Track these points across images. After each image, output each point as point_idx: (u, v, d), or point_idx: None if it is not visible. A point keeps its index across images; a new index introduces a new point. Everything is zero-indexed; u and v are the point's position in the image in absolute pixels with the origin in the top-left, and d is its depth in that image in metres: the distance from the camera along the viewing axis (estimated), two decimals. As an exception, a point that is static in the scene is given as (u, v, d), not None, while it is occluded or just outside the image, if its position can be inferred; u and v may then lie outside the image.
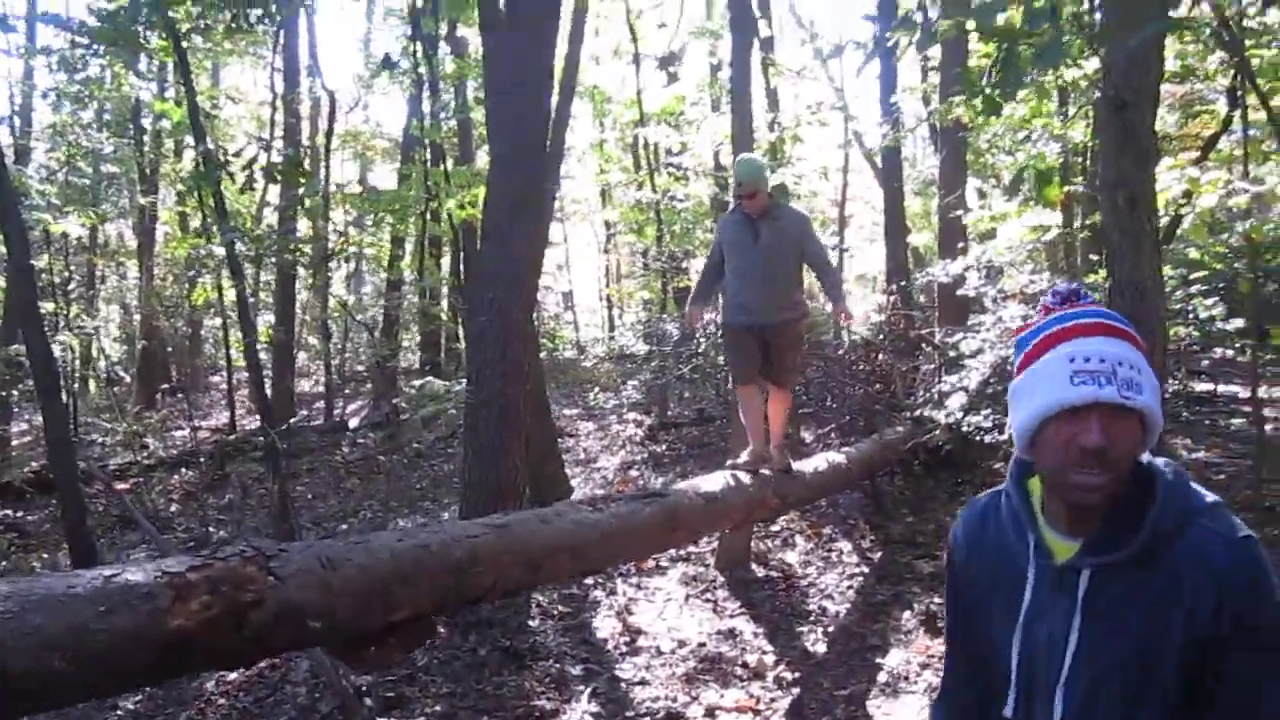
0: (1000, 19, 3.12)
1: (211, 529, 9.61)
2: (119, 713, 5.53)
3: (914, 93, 13.51)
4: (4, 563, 8.99)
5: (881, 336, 11.17)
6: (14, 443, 15.08)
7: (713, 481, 5.30)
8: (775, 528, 7.87)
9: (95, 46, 10.24)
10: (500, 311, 6.80)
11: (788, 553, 7.44)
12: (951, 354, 8.14)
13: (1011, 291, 8.02)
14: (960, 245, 10.50)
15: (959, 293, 8.96)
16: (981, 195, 13.26)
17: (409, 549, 3.22)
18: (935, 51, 10.37)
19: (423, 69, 13.79)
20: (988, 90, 3.27)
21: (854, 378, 10.68)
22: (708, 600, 6.56)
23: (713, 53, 16.82)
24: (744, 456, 5.78)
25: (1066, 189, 8.44)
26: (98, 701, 4.52)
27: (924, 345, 10.25)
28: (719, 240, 6.00)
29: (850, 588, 6.66)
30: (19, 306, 7.86)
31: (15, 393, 14.05)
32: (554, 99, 8.38)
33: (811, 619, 6.16)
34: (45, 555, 9.25)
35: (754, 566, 7.10)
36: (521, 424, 6.89)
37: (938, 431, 7.67)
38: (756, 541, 7.45)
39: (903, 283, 11.69)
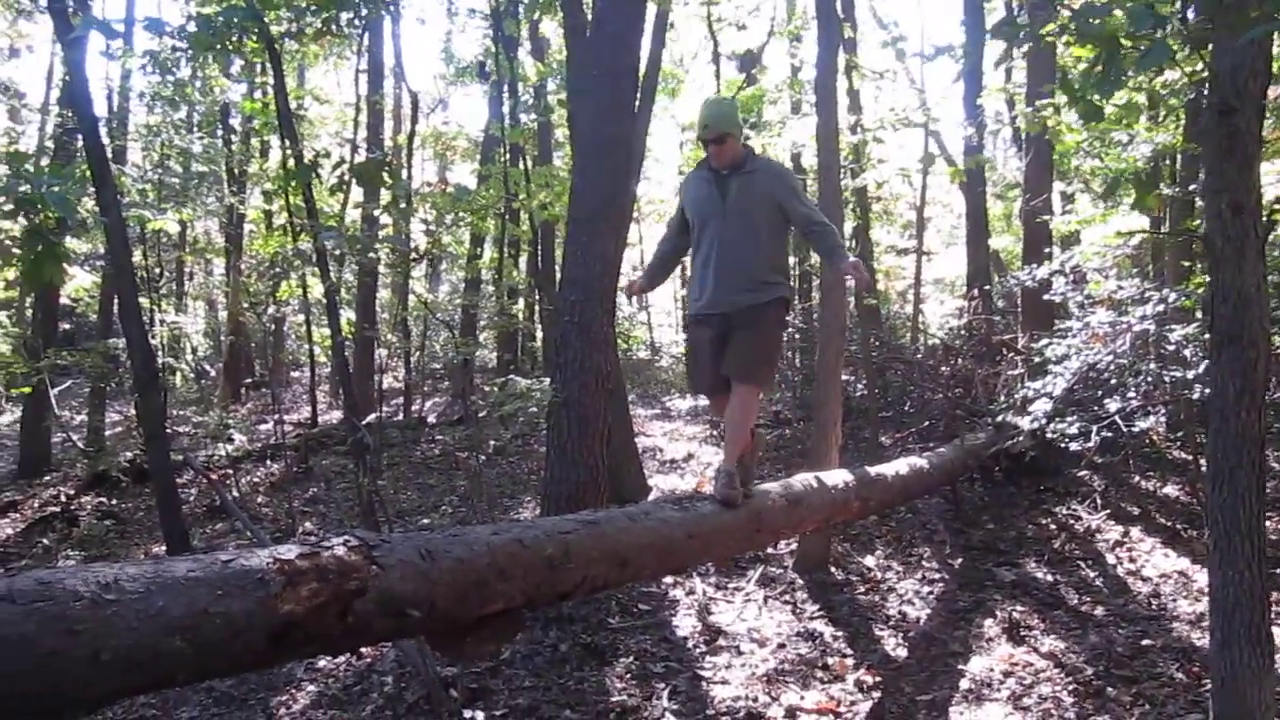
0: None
1: (296, 520, 9.84)
2: (213, 694, 5.71)
3: (997, 94, 13.34)
4: (103, 549, 9.30)
5: (961, 341, 11.08)
6: (107, 433, 15.55)
7: (795, 483, 5.31)
8: (854, 531, 7.85)
9: (190, 50, 10.55)
10: (582, 313, 6.87)
11: (867, 556, 7.41)
12: (1037, 359, 8.03)
13: (1099, 297, 7.89)
14: (1046, 250, 10.36)
15: (1045, 298, 8.84)
16: (1068, 199, 13.08)
17: (505, 543, 3.29)
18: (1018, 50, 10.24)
19: (504, 69, 13.96)
20: (1087, 95, 3.23)
21: (934, 382, 10.60)
22: (787, 602, 6.56)
23: (793, 54, 16.77)
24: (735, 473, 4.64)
25: (1157, 192, 8.28)
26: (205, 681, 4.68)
27: (1006, 350, 10.14)
28: (681, 203, 5.07)
29: (930, 593, 6.62)
30: (120, 302, 8.11)
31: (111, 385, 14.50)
32: (637, 98, 8.45)
33: (891, 623, 6.14)
34: (140, 544, 9.55)
35: (833, 569, 7.09)
36: (602, 425, 6.95)
37: (1021, 438, 7.59)
38: (835, 544, 7.43)
39: (985, 287, 11.55)
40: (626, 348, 20.17)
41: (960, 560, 7.18)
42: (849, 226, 12.65)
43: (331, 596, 2.62)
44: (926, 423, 10.12)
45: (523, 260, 20.34)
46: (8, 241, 4.09)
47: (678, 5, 14.44)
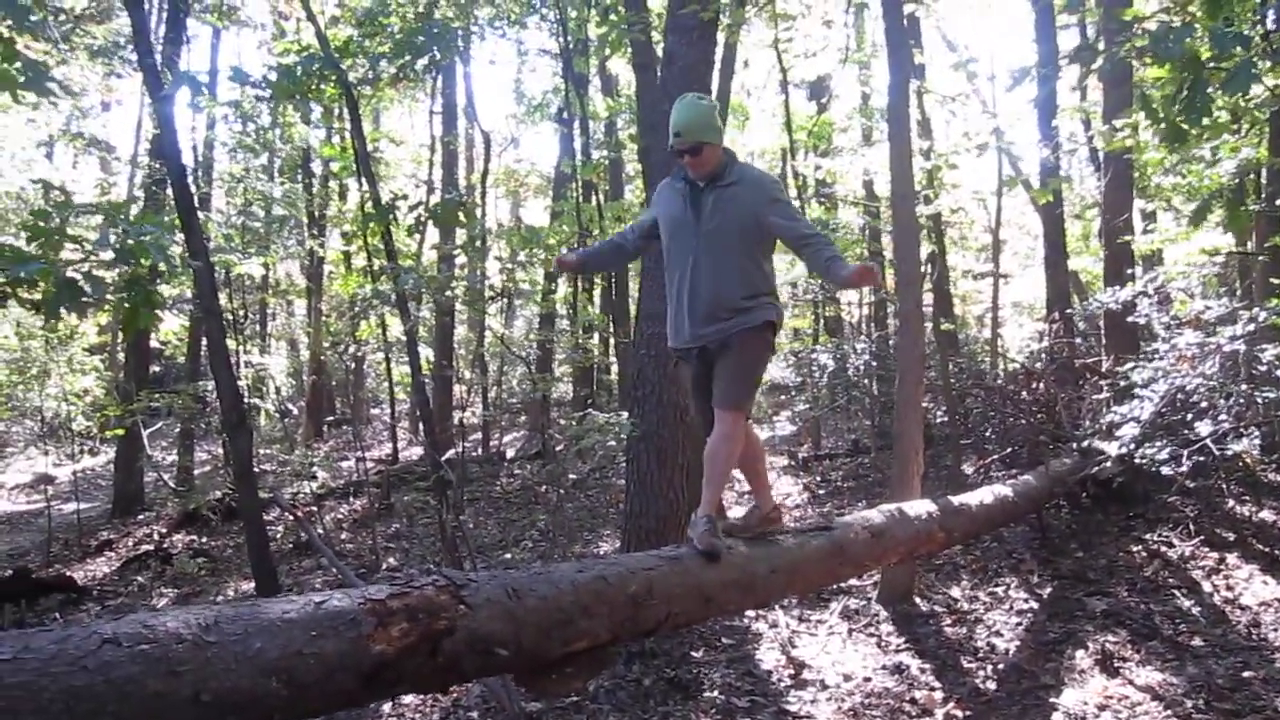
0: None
1: (380, 556, 9.97)
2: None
3: (1074, 114, 13.15)
4: (195, 586, 9.52)
5: (1042, 365, 10.88)
6: (196, 472, 15.96)
7: (877, 514, 5.26)
8: (938, 561, 7.72)
9: (271, 99, 10.90)
10: (660, 347, 6.90)
11: (952, 587, 7.29)
12: (1122, 383, 7.86)
13: (1186, 318, 7.71)
14: (1129, 271, 10.16)
15: (1129, 320, 8.66)
16: (1149, 217, 12.81)
17: (589, 580, 3.31)
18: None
19: (574, 107, 14.14)
20: (1173, 118, 3.17)
21: (1015, 407, 10.41)
22: (871, 634, 6.48)
23: (863, 81, 16.74)
24: (750, 516, 4.46)
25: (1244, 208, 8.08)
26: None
27: (1089, 374, 9.94)
28: (653, 212, 4.52)
29: (1019, 624, 6.48)
30: (209, 345, 8.33)
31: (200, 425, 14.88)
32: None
33: (979, 655, 6.02)
34: (230, 580, 9.76)
35: (917, 600, 6.98)
36: (681, 457, 6.97)
37: (1108, 464, 7.42)
38: (919, 575, 7.32)
39: (1065, 310, 11.35)
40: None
41: (1049, 590, 7.02)
42: (923, 251, 12.54)
43: (421, 636, 2.66)
44: (1009, 449, 9.94)
45: (597, 295, 20.50)
46: (107, 286, 4.24)
47: (746, 36, 14.51)
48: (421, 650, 2.66)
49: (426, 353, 16.11)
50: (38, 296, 3.99)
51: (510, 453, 16.39)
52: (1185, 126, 3.24)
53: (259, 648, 2.32)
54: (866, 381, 12.99)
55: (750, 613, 6.74)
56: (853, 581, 7.14)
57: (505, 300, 23.66)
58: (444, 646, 2.72)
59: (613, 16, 10.45)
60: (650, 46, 8.87)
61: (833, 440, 14.12)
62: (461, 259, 16.52)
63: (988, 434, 11.03)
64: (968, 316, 20.03)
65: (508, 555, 9.48)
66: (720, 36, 9.55)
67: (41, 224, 4.06)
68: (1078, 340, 11.71)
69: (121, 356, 17.01)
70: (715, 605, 3.93)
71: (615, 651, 4.07)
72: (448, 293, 12.78)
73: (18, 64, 3.83)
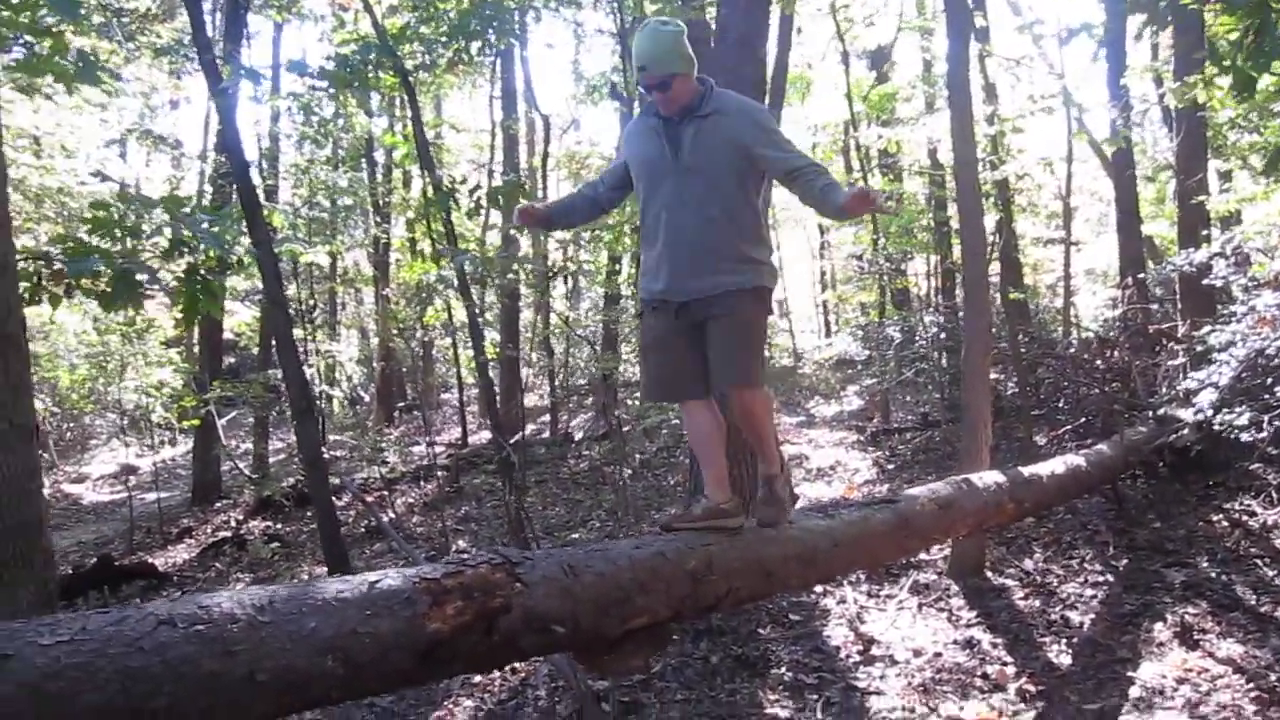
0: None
1: (449, 539, 10.07)
2: (374, 709, 5.87)
3: (1144, 74, 12.77)
4: (270, 571, 9.71)
5: (1116, 332, 10.62)
6: (270, 460, 16.26)
7: (945, 486, 5.17)
8: (1009, 534, 7.58)
9: (331, 89, 10.99)
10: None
11: (1024, 560, 7.15)
12: (1199, 348, 7.63)
13: (1265, 279, 7.45)
14: (1204, 233, 9.85)
15: (1205, 282, 8.40)
16: (1225, 177, 12.42)
17: (647, 557, 3.29)
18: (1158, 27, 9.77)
19: (632, 86, 14.07)
20: (1239, 64, 3.04)
21: (1088, 376, 10.19)
22: (941, 609, 6.38)
23: (924, 48, 16.44)
24: (696, 507, 3.80)
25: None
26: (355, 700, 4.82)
27: (1165, 340, 9.67)
28: (621, 157, 4.03)
29: (1094, 597, 6.34)
30: (276, 335, 8.46)
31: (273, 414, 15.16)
32: (765, 104, 8.41)
33: (1053, 629, 5.90)
34: (303, 564, 9.93)
35: (989, 574, 6.86)
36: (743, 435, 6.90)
37: (1185, 431, 7.22)
38: (991, 548, 7.20)
39: (1139, 275, 11.05)
40: (769, 355, 20.01)
41: (1125, 562, 6.86)
42: (990, 220, 12.30)
43: (476, 614, 2.66)
44: (1083, 419, 9.72)
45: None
46: (160, 278, 4.31)
47: (803, 5, 14.32)
48: (477, 628, 2.66)
49: (492, 336, 16.21)
50: (102, 288, 4.08)
51: (578, 434, 16.44)
52: (1254, 74, 3.10)
53: (313, 627, 2.33)
54: (935, 354, 12.80)
55: (818, 589, 6.67)
56: (922, 555, 7.05)
57: (570, 282, 23.76)
58: (500, 624, 2.71)
59: (666, -8, 10.35)
60: (704, 21, 8.77)
61: (901, 414, 13.94)
62: (525, 242, 16.60)
63: (1060, 404, 10.81)
64: (1039, 285, 19.60)
65: (575, 536, 9.52)
66: (775, 7, 9.44)
67: (100, 215, 4.14)
68: (1153, 306, 11.41)
69: (197, 349, 17.36)
70: (777, 580, 3.89)
71: (675, 629, 4.05)
72: (510, 275, 12.85)
73: (70, 58, 3.90)
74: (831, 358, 18.83)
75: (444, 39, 10.01)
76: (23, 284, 3.82)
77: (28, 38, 3.88)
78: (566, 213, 4.29)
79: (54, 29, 3.94)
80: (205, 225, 4.46)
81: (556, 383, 17.80)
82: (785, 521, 3.81)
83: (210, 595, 2.29)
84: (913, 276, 17.41)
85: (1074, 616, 6.05)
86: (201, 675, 2.07)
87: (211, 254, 4.91)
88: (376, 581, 2.58)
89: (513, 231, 14.91)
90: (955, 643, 5.81)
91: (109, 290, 3.91)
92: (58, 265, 3.90)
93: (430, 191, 10.06)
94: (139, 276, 4.00)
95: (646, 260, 3.86)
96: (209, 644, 2.11)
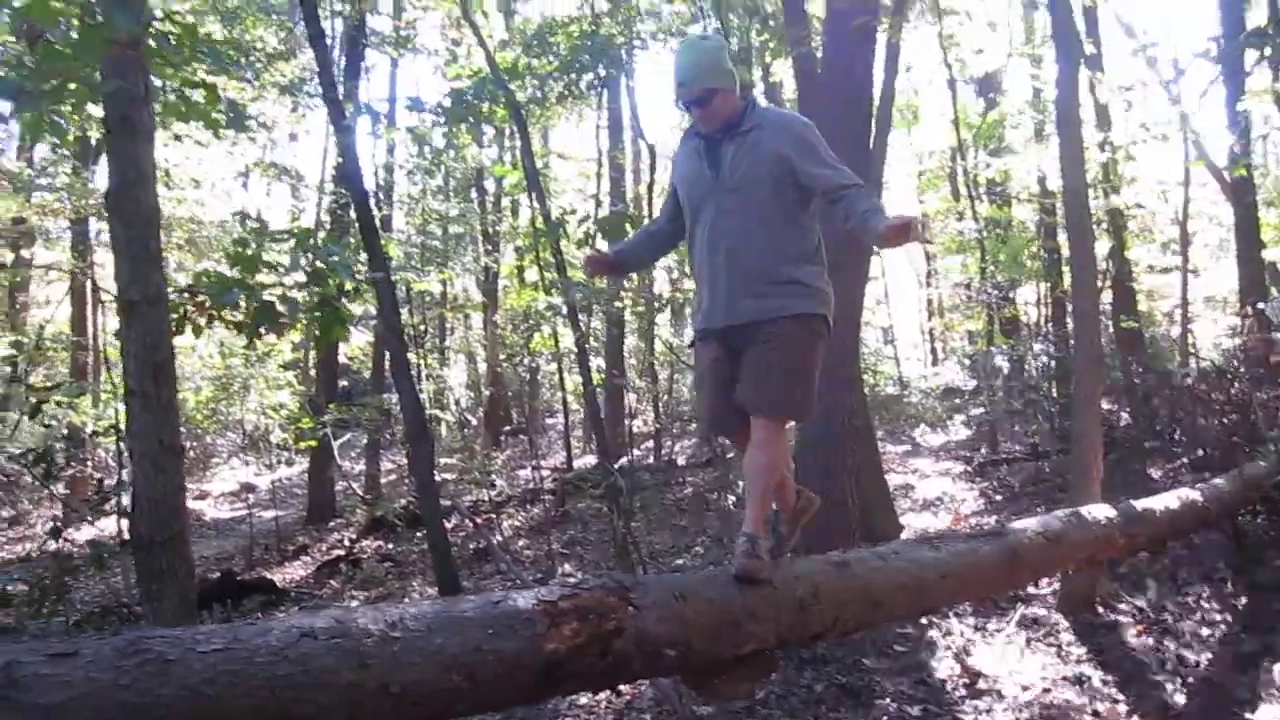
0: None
1: (555, 562, 10.24)
2: (486, 730, 6.01)
3: (1264, 96, 12.42)
4: (383, 590, 9.99)
5: (1236, 363, 10.32)
6: (383, 481, 16.71)
7: (1053, 519, 5.13)
8: (1123, 569, 7.42)
9: (445, 122, 11.39)
10: (828, 352, 6.89)
11: (1138, 596, 7.00)
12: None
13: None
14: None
15: (1330, 312, 8.14)
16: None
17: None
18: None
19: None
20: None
21: (1206, 408, 9.91)
22: (1051, 644, 6.29)
23: (1034, 75, 16.22)
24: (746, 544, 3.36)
25: None
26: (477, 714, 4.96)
27: (1288, 370, 9.37)
28: (673, 181, 3.85)
29: (1211, 636, 6.18)
30: (391, 359, 8.74)
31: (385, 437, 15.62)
32: (871, 132, 8.44)
33: (1167, 668, 5.77)
34: (414, 584, 10.20)
35: (1100, 609, 6.74)
36: (848, 464, 6.94)
37: (1309, 466, 7.00)
38: (1102, 583, 7.05)
39: (1260, 303, 10.72)
40: (874, 383, 19.86)
41: (1244, 600, 6.67)
42: (1103, 247, 12.07)
43: (592, 636, 2.77)
44: (1200, 452, 9.46)
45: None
46: (300, 306, 4.57)
47: (909, 32, 14.28)
48: (592, 650, 2.77)
49: (598, 362, 16.44)
50: (240, 318, 4.34)
51: (682, 460, 16.53)
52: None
53: (440, 644, 2.47)
54: (1045, 383, 12.59)
55: (924, 620, 6.64)
56: (1031, 589, 6.96)
57: (675, 310, 23.91)
58: (614, 646, 2.82)
59: (771, 24, 10.48)
60: (810, 52, 8.86)
61: (1010, 444, 13.72)
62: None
63: (1177, 436, 10.54)
64: (1155, 312, 19.08)
65: (679, 561, 9.60)
66: (881, 35, 9.47)
67: (241, 251, 4.41)
68: (1276, 335, 11.05)
69: (313, 372, 17.98)
70: (884, 610, 3.93)
71: (783, 656, 4.10)
72: (617, 304, 13.04)
73: (219, 106, 4.20)
74: (938, 386, 18.63)
75: (555, 73, 10.31)
76: (170, 315, 4.13)
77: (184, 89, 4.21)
78: (633, 253, 4.18)
79: (207, 80, 4.25)
80: (334, 257, 4.70)
81: (661, 409, 17.95)
82: (768, 578, 3.33)
83: (347, 610, 2.45)
84: (1022, 305, 17.13)
85: (1189, 655, 5.92)
86: (341, 685, 2.23)
87: (334, 282, 5.17)
88: (498, 602, 2.72)
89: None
90: (1065, 679, 5.73)
91: (248, 320, 4.19)
92: (201, 297, 4.19)
93: (540, 221, 10.33)
94: (279, 307, 4.26)
95: (699, 295, 3.71)
96: (347, 656, 2.26)
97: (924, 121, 19.89)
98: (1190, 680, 5.57)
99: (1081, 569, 5.90)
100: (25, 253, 17.26)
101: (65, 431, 12.78)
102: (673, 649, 2.98)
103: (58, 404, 7.06)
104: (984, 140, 16.60)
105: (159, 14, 4.10)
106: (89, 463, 14.44)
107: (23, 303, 18.09)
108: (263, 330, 4.23)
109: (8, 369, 14.77)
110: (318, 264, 4.56)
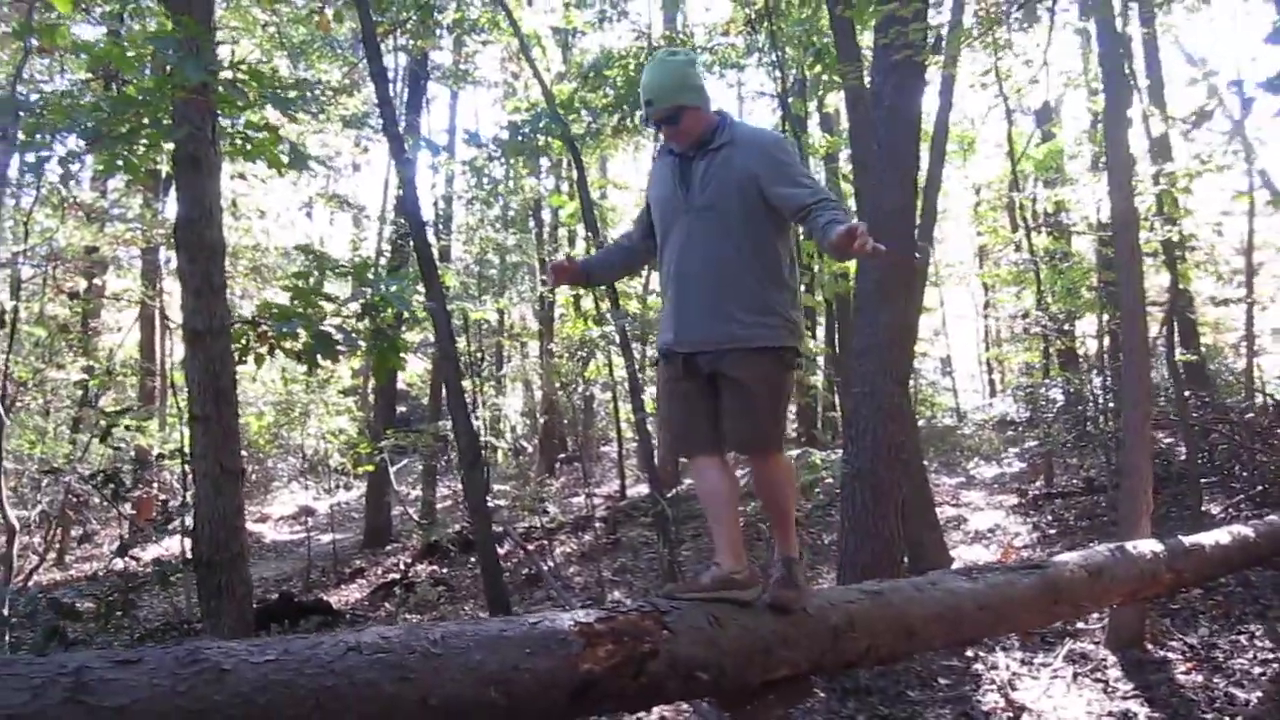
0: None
1: (605, 589, 10.33)
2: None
3: (1329, 125, 12.24)
4: (435, 613, 10.16)
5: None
6: (438, 507, 16.94)
7: (1098, 553, 5.12)
8: (1174, 605, 7.35)
9: (503, 156, 11.66)
10: (872, 384, 6.95)
11: (1189, 633, 6.93)
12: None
13: None
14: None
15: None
16: None
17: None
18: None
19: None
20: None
21: (1266, 443, 9.77)
22: (1098, 679, 6.26)
23: (1091, 105, 16.14)
24: (705, 576, 3.41)
25: None
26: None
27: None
28: (647, 197, 3.72)
29: (1263, 675, 6.10)
30: (447, 387, 8.93)
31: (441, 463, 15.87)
32: (924, 163, 8.50)
33: (1216, 706, 5.72)
34: (466, 608, 10.35)
35: (1149, 646, 6.68)
36: (895, 496, 6.97)
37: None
38: (1152, 619, 7.00)
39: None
40: (930, 414, 19.74)
41: (1300, 639, 6.58)
42: (1163, 279, 11.95)
43: (626, 658, 2.87)
44: (1260, 487, 9.33)
45: (820, 331, 20.46)
46: (357, 337, 4.76)
47: (966, 63, 14.30)
48: (626, 671, 2.86)
49: (652, 391, 16.54)
50: (299, 347, 4.53)
51: (733, 489, 16.53)
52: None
53: (479, 660, 2.59)
54: (1101, 416, 12.46)
55: (968, 653, 6.63)
56: (1079, 624, 6.92)
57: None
58: (648, 668, 2.91)
59: (825, 59, 10.59)
60: (862, 85, 8.95)
61: (1066, 478, 13.57)
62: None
63: (1236, 470, 10.39)
64: (1220, 344, 18.77)
65: (727, 590, 9.63)
66: (935, 69, 9.53)
67: (301, 284, 4.61)
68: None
69: (371, 398, 18.32)
70: (919, 640, 3.96)
71: (821, 684, 4.16)
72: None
73: (281, 146, 4.41)
74: (993, 418, 18.48)
75: (610, 107, 10.50)
76: (234, 344, 4.34)
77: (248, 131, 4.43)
78: (603, 266, 4.05)
79: (269, 123, 4.47)
80: (391, 288, 4.88)
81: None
82: (802, 608, 3.35)
83: (390, 627, 2.59)
84: (1080, 336, 16.97)
85: (1239, 694, 5.85)
86: (383, 697, 2.35)
87: (391, 311, 5.36)
88: (536, 623, 2.83)
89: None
90: (1111, 715, 5.71)
91: (306, 349, 4.38)
92: (263, 328, 4.39)
93: (595, 250, 10.50)
94: (335, 336, 4.45)
95: (664, 310, 3.59)
96: (390, 670, 2.39)
97: (980, 152, 19.82)
98: (1240, 719, 5.52)
99: (1126, 604, 5.87)
100: (98, 281, 17.81)
101: (133, 454, 13.15)
102: (706, 672, 3.06)
103: (125, 427, 7.33)
104: (1042, 171, 16.51)
105: (226, 62, 4.34)
106: (155, 484, 14.80)
107: (95, 329, 18.64)
108: (320, 358, 4.42)
109: (80, 393, 15.23)
110: (374, 296, 4.75)
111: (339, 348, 4.39)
